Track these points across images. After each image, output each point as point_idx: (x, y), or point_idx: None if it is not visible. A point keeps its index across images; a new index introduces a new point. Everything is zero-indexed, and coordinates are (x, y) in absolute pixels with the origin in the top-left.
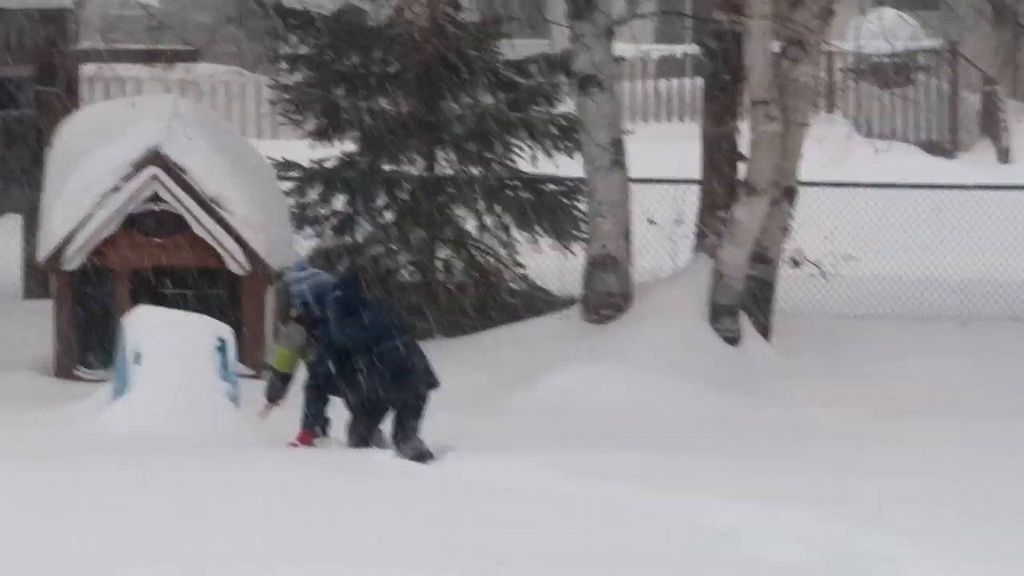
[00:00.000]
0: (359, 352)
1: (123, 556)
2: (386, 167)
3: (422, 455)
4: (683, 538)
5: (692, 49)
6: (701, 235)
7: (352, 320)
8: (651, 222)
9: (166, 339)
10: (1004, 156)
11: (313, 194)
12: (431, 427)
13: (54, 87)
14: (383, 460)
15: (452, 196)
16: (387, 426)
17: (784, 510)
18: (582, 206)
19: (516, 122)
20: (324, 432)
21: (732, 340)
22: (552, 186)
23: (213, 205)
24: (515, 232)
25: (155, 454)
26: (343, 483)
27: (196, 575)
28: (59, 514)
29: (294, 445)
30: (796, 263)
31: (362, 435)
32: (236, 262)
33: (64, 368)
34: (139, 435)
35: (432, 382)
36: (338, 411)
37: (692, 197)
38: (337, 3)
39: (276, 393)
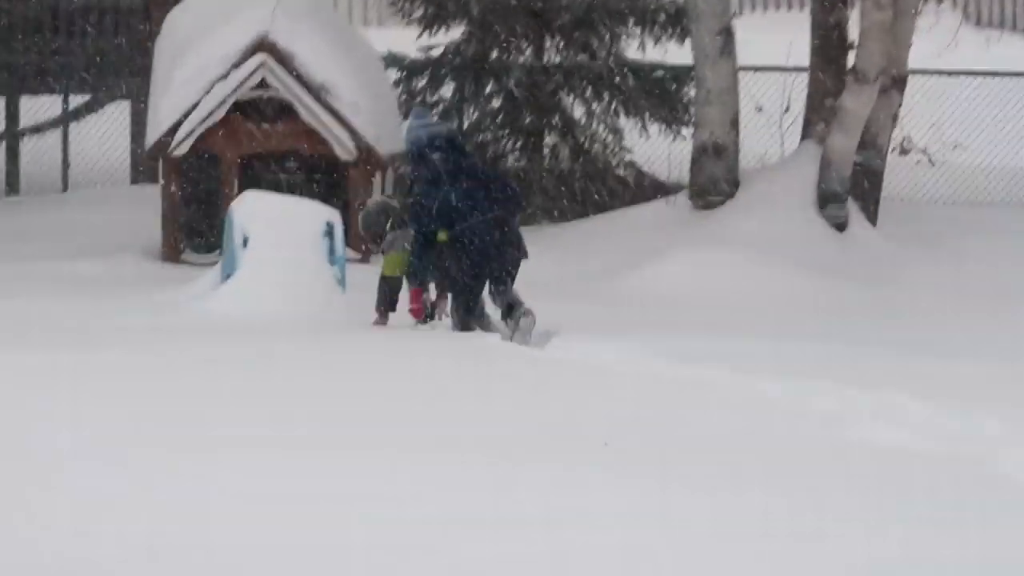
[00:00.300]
0: (448, 221)
1: (231, 434)
2: (494, 55)
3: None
4: (790, 422)
5: None
6: (809, 123)
7: (440, 189)
8: (759, 109)
9: (273, 223)
10: None
11: (420, 83)
12: (538, 312)
13: None
14: (489, 343)
15: (560, 83)
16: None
17: (890, 394)
18: (691, 93)
19: (624, 10)
20: (432, 315)
21: (839, 227)
22: (661, 73)
23: (321, 91)
24: (623, 119)
25: (263, 336)
26: (449, 365)
27: (305, 456)
28: (165, 395)
29: (413, 311)
30: (904, 151)
31: (464, 317)
32: (344, 148)
33: (172, 253)
34: (246, 318)
35: (518, 256)
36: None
37: (800, 85)
38: None
39: (389, 300)
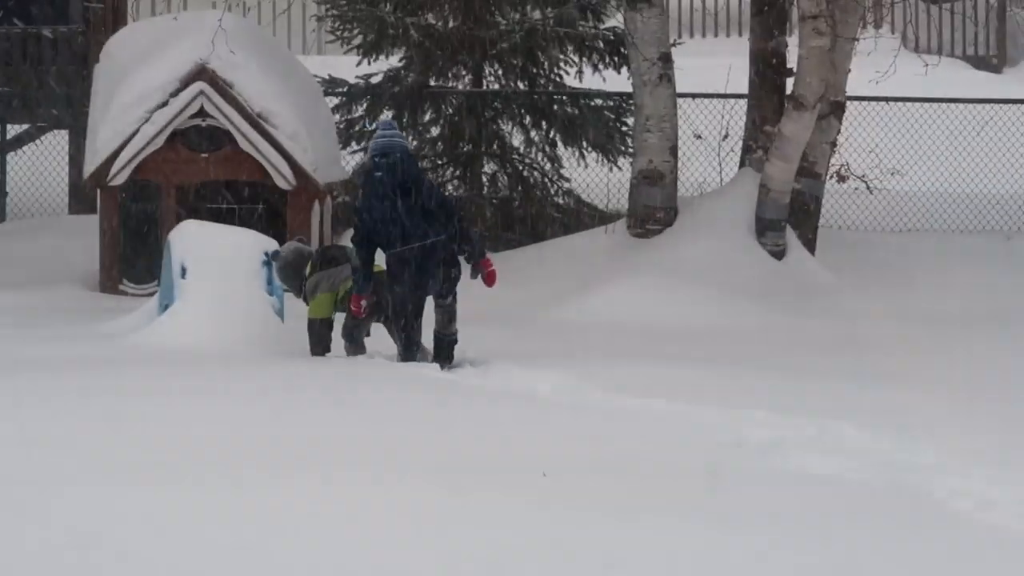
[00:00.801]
0: (383, 240)
1: (169, 464)
2: (433, 82)
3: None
4: (728, 452)
5: None
6: (747, 150)
7: (380, 205)
8: (697, 137)
9: (212, 253)
10: None
11: (359, 110)
12: (476, 341)
13: (102, 3)
14: (427, 373)
15: (498, 111)
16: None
17: (828, 423)
18: (629, 121)
19: (563, 37)
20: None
21: (778, 254)
22: (599, 101)
23: (259, 120)
24: (561, 147)
25: (201, 366)
26: (387, 394)
27: (237, 484)
28: (98, 420)
29: (354, 311)
30: (842, 178)
31: (406, 344)
32: (282, 177)
33: (109, 283)
34: (184, 349)
35: (447, 287)
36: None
37: (739, 112)
38: None
39: (323, 344)
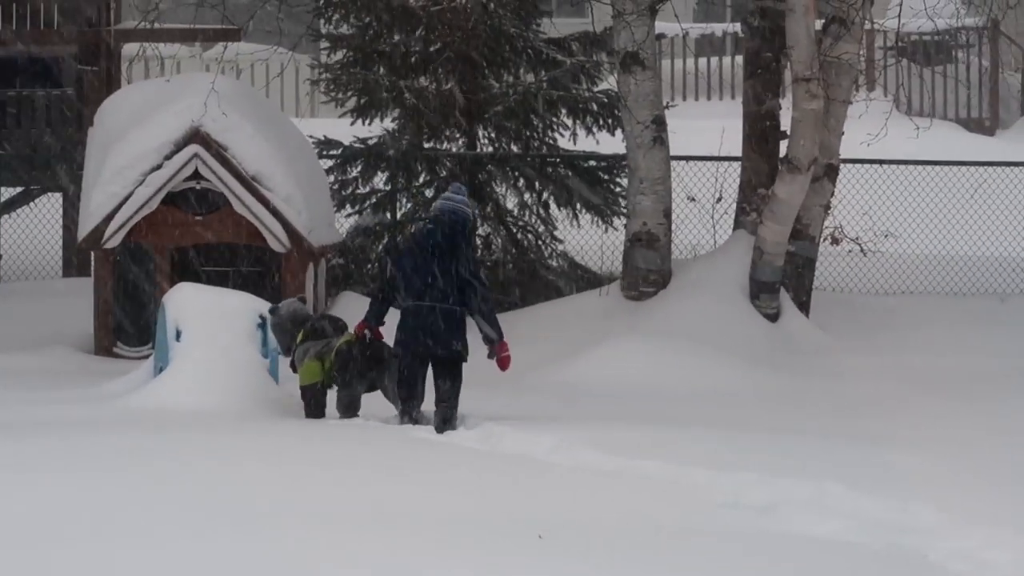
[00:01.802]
0: (405, 291)
1: (166, 525)
2: (427, 145)
3: (445, 420)
4: (723, 514)
5: (732, 27)
6: (741, 212)
7: (411, 260)
8: (691, 199)
9: (206, 316)
10: None
11: (354, 172)
12: (471, 402)
13: (95, 66)
14: (424, 436)
15: (492, 173)
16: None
17: (824, 484)
18: (622, 183)
19: (557, 100)
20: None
21: (772, 316)
22: (592, 163)
23: (254, 183)
24: (555, 209)
25: (194, 428)
26: (384, 455)
27: (238, 541)
28: (95, 484)
29: (359, 329)
30: (836, 240)
31: (403, 398)
32: (277, 239)
33: (104, 345)
34: (178, 411)
35: (446, 354)
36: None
37: (733, 174)
38: None
39: (318, 407)
